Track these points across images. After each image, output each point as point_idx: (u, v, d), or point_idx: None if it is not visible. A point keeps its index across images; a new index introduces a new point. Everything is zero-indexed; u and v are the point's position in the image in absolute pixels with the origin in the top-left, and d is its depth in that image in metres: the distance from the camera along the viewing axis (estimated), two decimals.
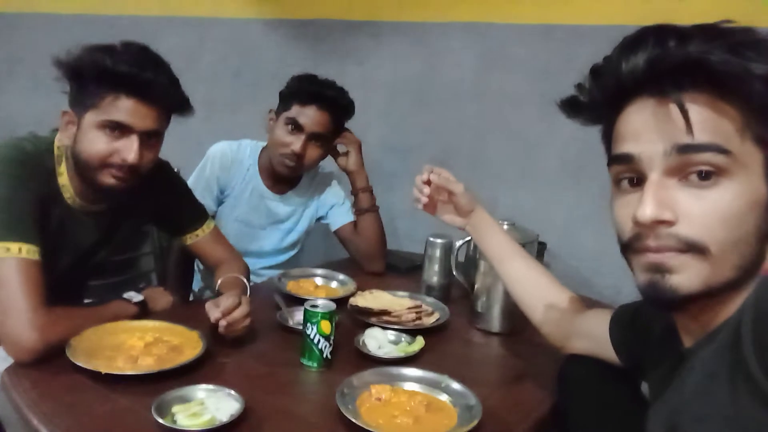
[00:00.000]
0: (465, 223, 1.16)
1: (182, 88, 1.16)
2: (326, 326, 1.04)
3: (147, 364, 0.95)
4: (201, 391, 0.88)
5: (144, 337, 1.04)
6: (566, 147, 1.92)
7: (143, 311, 1.18)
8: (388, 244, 1.76)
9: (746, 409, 0.53)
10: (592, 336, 0.95)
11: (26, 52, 2.87)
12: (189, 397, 0.86)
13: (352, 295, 1.37)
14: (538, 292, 1.07)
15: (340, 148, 1.75)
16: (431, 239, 1.52)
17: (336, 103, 1.62)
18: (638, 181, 0.62)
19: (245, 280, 1.32)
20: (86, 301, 1.42)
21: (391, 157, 2.20)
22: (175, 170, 1.46)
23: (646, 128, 0.61)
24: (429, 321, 1.29)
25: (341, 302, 1.28)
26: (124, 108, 1.07)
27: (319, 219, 1.82)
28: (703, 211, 0.57)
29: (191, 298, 1.79)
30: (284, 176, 1.68)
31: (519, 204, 1.99)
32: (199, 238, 1.40)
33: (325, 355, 1.05)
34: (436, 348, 1.18)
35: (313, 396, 1.03)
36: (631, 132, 0.62)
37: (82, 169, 1.11)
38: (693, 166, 0.58)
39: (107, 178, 1.11)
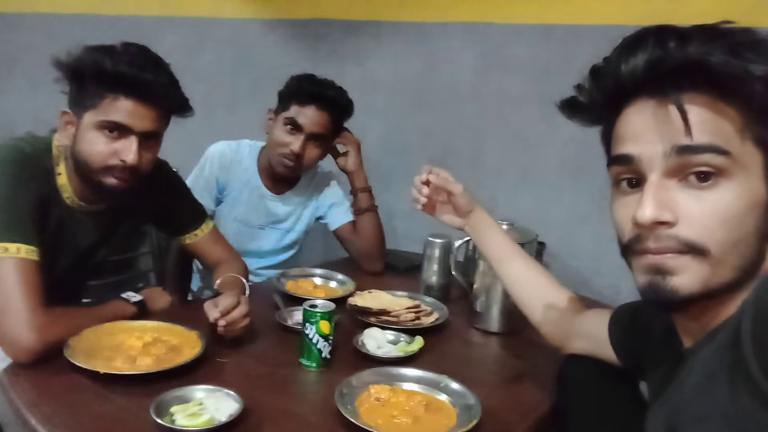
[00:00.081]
0: (464, 224, 1.16)
1: (182, 88, 1.16)
2: (325, 326, 1.04)
3: (146, 364, 0.95)
4: (200, 391, 0.88)
5: (143, 337, 1.04)
6: (566, 147, 1.92)
7: (142, 311, 1.18)
8: (387, 244, 1.76)
9: (746, 409, 0.53)
10: (592, 336, 0.95)
11: (25, 52, 2.87)
12: (188, 397, 0.86)
13: (351, 295, 1.37)
14: (538, 292, 1.07)
15: (340, 148, 1.75)
16: (430, 239, 1.52)
17: (335, 103, 1.62)
18: (638, 182, 0.62)
19: (244, 280, 1.31)
20: (85, 300, 1.42)
21: (391, 157, 2.20)
22: (174, 170, 1.46)
23: (645, 129, 0.60)
24: (428, 321, 1.29)
25: (340, 302, 1.27)
26: (124, 109, 1.07)
27: (318, 219, 1.81)
28: (703, 212, 0.57)
29: (190, 297, 1.79)
30: (283, 176, 1.68)
31: (518, 204, 1.99)
32: (198, 238, 1.40)
33: (324, 355, 1.05)
34: (435, 348, 1.18)
35: (312, 396, 1.03)
36: (630, 133, 0.62)
37: (82, 169, 1.11)
38: (692, 167, 0.58)
39: (108, 179, 1.11)
